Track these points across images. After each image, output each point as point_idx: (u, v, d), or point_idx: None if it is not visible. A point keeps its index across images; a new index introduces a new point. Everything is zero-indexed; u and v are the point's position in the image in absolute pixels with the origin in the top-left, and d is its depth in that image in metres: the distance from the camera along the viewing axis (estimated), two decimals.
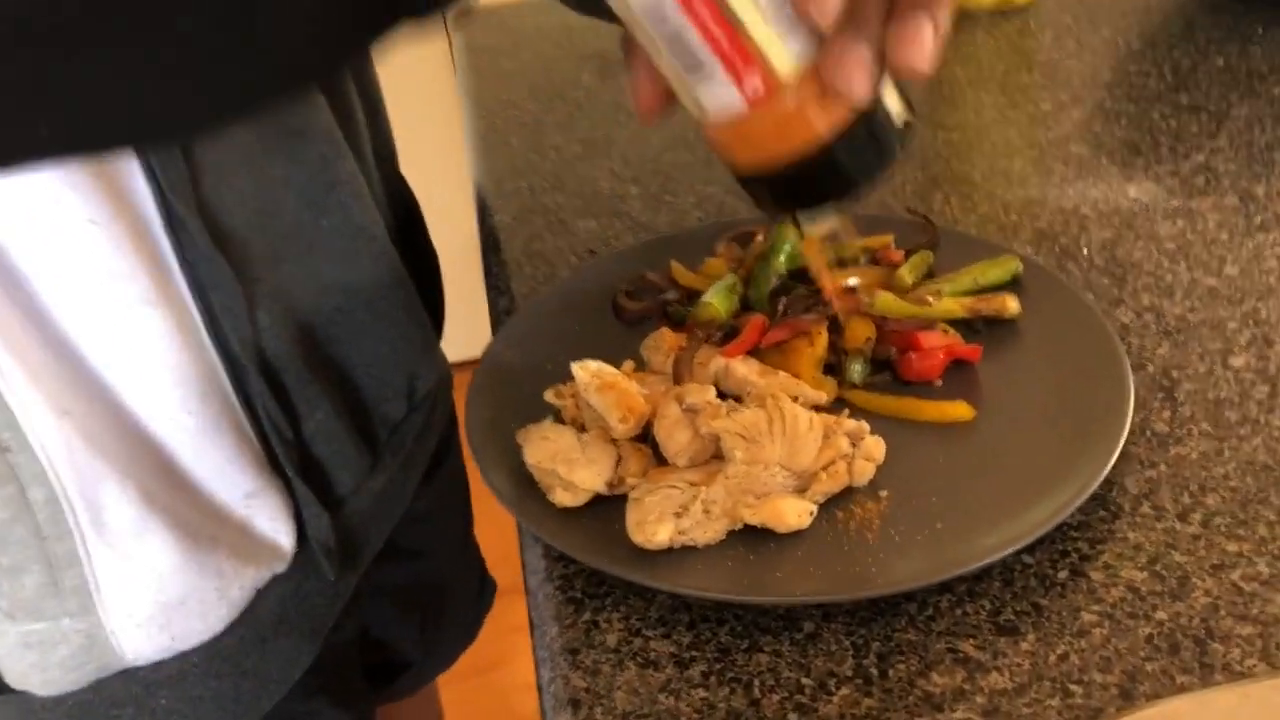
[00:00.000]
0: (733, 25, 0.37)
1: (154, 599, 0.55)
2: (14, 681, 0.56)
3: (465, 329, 1.18)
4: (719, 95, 0.39)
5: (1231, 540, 0.50)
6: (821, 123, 0.39)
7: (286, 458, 0.58)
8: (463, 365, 0.85)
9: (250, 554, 0.59)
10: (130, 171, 0.50)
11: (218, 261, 0.53)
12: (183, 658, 0.58)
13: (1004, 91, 0.91)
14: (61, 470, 0.51)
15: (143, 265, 0.51)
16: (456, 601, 0.95)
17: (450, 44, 1.04)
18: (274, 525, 0.59)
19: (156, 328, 0.53)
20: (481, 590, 0.99)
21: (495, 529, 1.03)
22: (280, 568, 0.60)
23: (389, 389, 0.67)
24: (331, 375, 0.63)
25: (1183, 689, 0.44)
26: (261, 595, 0.60)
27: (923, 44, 0.37)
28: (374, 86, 0.70)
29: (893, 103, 0.41)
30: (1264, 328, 0.62)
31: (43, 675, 0.55)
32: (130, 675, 0.58)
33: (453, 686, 1.29)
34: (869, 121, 0.39)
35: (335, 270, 0.62)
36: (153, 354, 0.53)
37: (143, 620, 0.55)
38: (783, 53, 0.38)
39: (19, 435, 0.50)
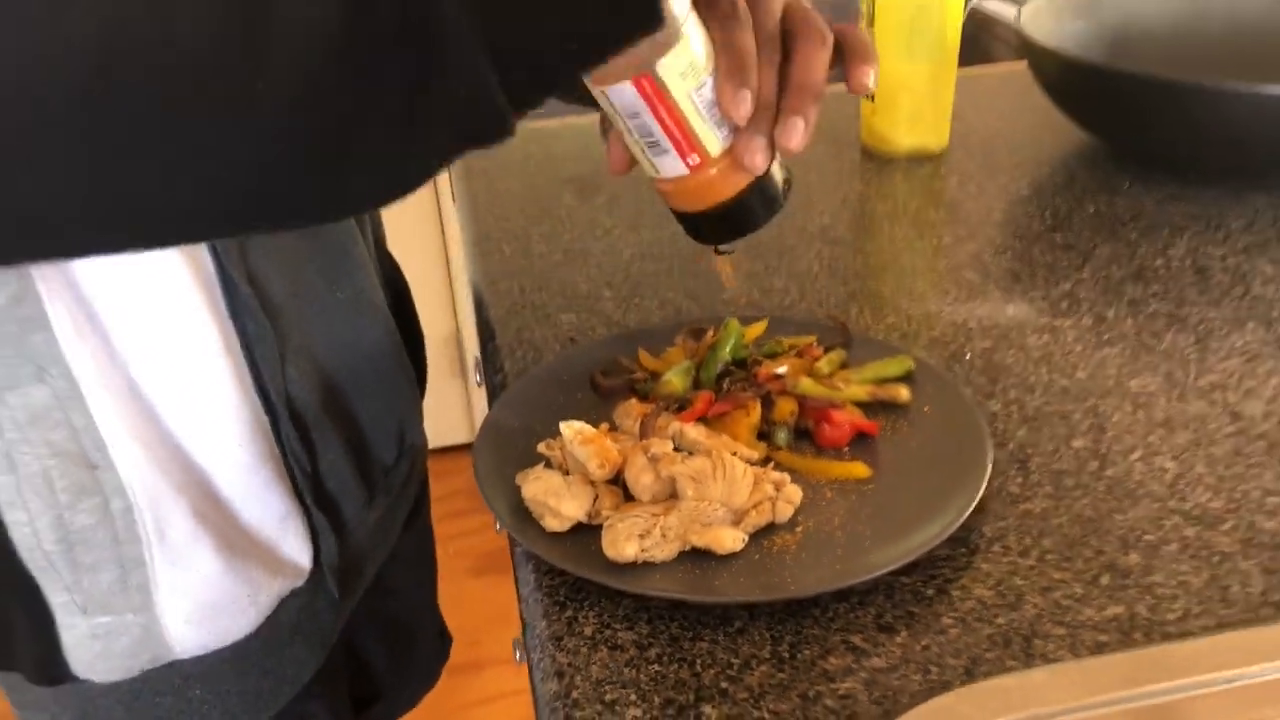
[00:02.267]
0: (681, 120, 0.53)
1: (199, 599, 0.64)
2: (80, 670, 0.65)
3: (437, 416, 1.25)
4: (669, 164, 0.55)
5: (1058, 570, 0.66)
6: (735, 184, 0.56)
7: (306, 489, 0.68)
8: (433, 452, 0.98)
9: (277, 568, 0.68)
10: (199, 249, 0.61)
11: (262, 321, 0.63)
12: (217, 655, 0.67)
13: (914, 225, 1.07)
14: (135, 487, 0.61)
15: (214, 321, 0.62)
16: (421, 643, 1.04)
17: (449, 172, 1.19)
18: (298, 545, 0.69)
19: (222, 374, 0.63)
20: (441, 640, 1.09)
21: (457, 607, 1.15)
22: (299, 583, 0.70)
23: (385, 436, 0.78)
24: (342, 421, 0.73)
25: (1010, 670, 0.60)
26: (283, 605, 0.70)
27: (798, 135, 0.53)
28: None
29: (778, 171, 0.58)
30: (1100, 418, 0.79)
31: (106, 664, 0.64)
32: (173, 668, 0.66)
33: None
34: (763, 184, 0.57)
35: (346, 335, 0.72)
36: (218, 396, 0.63)
37: (190, 617, 0.64)
38: (712, 138, 0.54)
39: (106, 456, 0.60)
